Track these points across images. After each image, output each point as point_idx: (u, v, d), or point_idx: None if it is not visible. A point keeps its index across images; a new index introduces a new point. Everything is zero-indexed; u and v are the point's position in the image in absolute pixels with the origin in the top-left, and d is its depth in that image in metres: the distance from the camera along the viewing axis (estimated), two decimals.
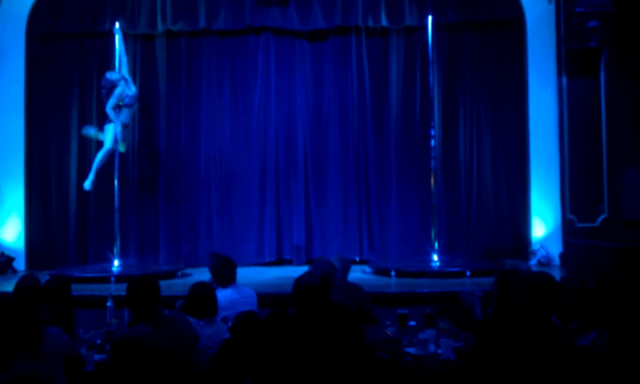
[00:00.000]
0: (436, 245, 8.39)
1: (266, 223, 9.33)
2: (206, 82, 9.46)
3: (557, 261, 8.64)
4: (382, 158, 9.40)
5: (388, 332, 4.31)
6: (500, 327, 3.24)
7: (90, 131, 8.74)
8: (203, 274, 6.07)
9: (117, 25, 8.60)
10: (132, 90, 8.46)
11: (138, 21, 9.05)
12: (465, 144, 9.25)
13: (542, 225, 8.86)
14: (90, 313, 5.13)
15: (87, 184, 8.45)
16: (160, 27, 9.13)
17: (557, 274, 7.24)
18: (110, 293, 4.96)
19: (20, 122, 9.12)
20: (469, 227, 9.15)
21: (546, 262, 8.54)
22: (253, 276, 7.65)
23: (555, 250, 8.70)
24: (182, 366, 3.58)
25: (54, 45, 9.30)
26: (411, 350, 4.00)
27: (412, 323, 4.68)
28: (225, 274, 5.02)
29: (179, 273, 8.11)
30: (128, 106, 8.44)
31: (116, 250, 8.26)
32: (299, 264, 8.98)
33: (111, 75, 8.35)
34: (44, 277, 5.05)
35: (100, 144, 8.59)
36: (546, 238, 8.79)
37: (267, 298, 5.74)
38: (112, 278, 7.41)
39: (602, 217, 7.83)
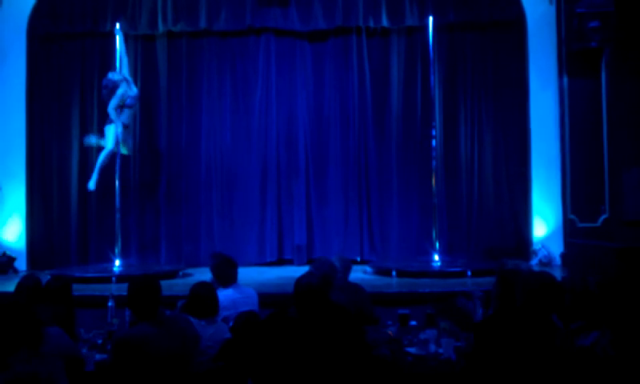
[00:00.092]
0: (437, 245, 8.39)
1: (267, 223, 9.34)
2: (207, 83, 9.46)
3: (558, 261, 8.64)
4: (383, 158, 9.40)
5: (389, 332, 4.31)
6: (501, 327, 3.24)
7: (92, 140, 8.69)
8: (204, 274, 6.06)
9: (117, 25, 8.60)
10: (133, 90, 8.47)
11: (139, 21, 9.06)
12: (466, 144, 9.26)
13: (543, 225, 8.86)
14: (91, 313, 5.14)
15: (91, 184, 8.44)
16: (161, 28, 9.14)
17: (558, 273, 7.24)
18: (111, 293, 4.94)
19: (21, 122, 9.13)
20: (470, 227, 9.15)
21: (547, 262, 8.54)
22: (254, 276, 7.65)
23: (556, 249, 8.69)
24: (183, 366, 3.58)
25: (55, 45, 9.31)
26: (412, 350, 3.99)
27: (413, 323, 4.68)
28: (226, 274, 5.02)
29: (180, 273, 8.12)
30: (129, 106, 8.45)
31: (117, 249, 8.27)
32: (300, 264, 8.98)
33: (113, 75, 8.35)
34: (45, 277, 5.06)
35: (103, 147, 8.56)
36: (547, 238, 8.79)
37: (268, 297, 5.74)
38: (113, 278, 7.43)
39: (603, 217, 7.83)
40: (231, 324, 4.36)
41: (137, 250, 9.20)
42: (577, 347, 3.38)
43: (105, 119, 8.50)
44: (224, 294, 4.76)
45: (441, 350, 3.90)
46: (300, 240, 9.27)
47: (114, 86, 8.29)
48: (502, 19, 9.08)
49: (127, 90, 8.35)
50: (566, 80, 8.50)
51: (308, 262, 8.59)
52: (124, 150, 8.49)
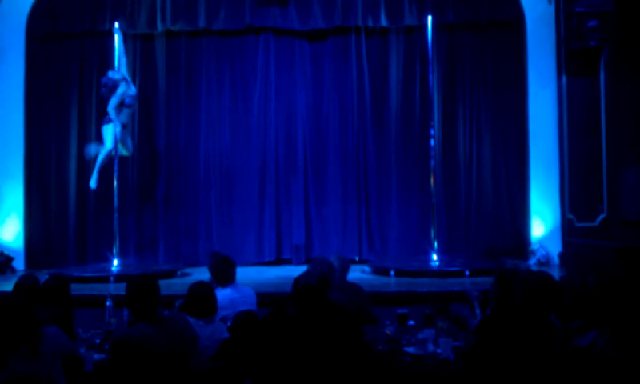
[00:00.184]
0: (435, 244, 8.39)
1: (265, 223, 9.33)
2: (206, 82, 9.46)
3: (556, 260, 8.64)
4: (382, 158, 9.40)
5: (387, 331, 4.31)
6: (499, 327, 3.24)
7: (92, 150, 8.61)
8: (203, 274, 6.07)
9: (116, 25, 8.59)
10: (132, 90, 8.47)
11: (138, 20, 9.05)
12: (464, 144, 9.26)
13: (542, 224, 8.86)
14: (89, 312, 5.13)
15: (92, 183, 8.41)
16: (160, 27, 9.12)
17: (556, 273, 7.24)
18: (109, 292, 4.95)
19: (20, 121, 9.11)
20: (468, 227, 9.15)
21: (545, 262, 8.54)
22: (252, 275, 7.64)
23: (555, 249, 8.69)
24: (181, 366, 3.58)
25: (53, 44, 9.29)
26: (410, 350, 3.99)
27: (411, 323, 4.69)
28: (224, 274, 5.02)
29: (178, 272, 8.11)
30: (128, 106, 8.44)
31: (115, 249, 8.25)
32: (299, 263, 8.97)
33: (114, 74, 8.34)
34: (43, 276, 5.04)
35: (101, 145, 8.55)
36: (546, 238, 8.79)
37: (266, 297, 5.74)
38: (111, 278, 7.43)
39: (601, 216, 7.84)
40: (229, 324, 4.36)
41: (135, 250, 9.19)
42: (575, 347, 3.38)
43: (102, 119, 8.49)
44: (222, 294, 4.76)
45: (439, 350, 3.91)
46: (298, 239, 9.27)
47: (113, 85, 8.28)
48: (501, 19, 9.08)
49: (127, 89, 8.35)
50: (564, 79, 8.50)
51: (306, 262, 8.57)
52: (123, 151, 8.48)
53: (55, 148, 9.24)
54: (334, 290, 4.53)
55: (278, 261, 9.30)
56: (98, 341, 4.28)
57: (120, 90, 8.27)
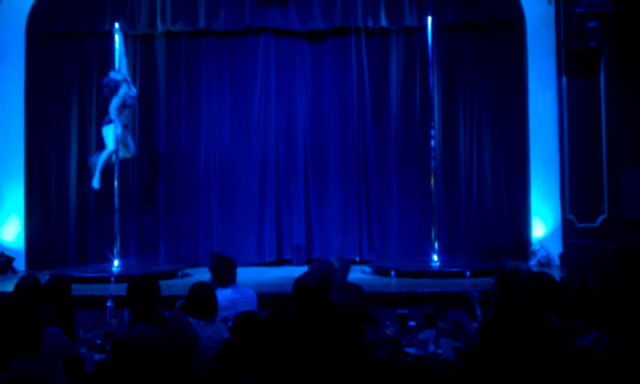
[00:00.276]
0: (436, 245, 8.39)
1: (265, 223, 9.34)
2: (206, 83, 9.46)
3: (557, 261, 8.64)
4: (382, 158, 9.40)
5: (388, 332, 4.31)
6: (500, 328, 3.24)
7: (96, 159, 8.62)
8: (203, 274, 6.07)
9: (117, 25, 8.59)
10: (133, 91, 8.49)
11: (138, 21, 9.06)
12: (465, 144, 9.26)
13: (542, 225, 8.87)
14: (89, 313, 5.12)
15: (95, 183, 8.39)
16: (160, 27, 9.13)
17: (557, 274, 7.24)
18: (110, 293, 4.95)
19: (20, 122, 9.12)
20: (469, 227, 9.15)
21: (545, 263, 8.54)
22: (253, 276, 7.65)
23: (555, 250, 8.70)
24: (182, 367, 3.58)
25: (53, 45, 9.30)
26: (411, 350, 3.99)
27: (412, 323, 4.68)
28: (225, 274, 5.02)
29: (179, 273, 8.12)
30: (129, 106, 8.45)
31: (116, 250, 8.26)
32: (299, 264, 8.98)
33: (115, 75, 8.34)
34: (44, 277, 5.05)
35: (103, 147, 8.49)
36: (546, 238, 8.80)
37: (267, 298, 5.74)
38: (112, 278, 7.42)
39: (602, 217, 7.83)
40: (230, 324, 4.36)
41: (136, 250, 9.20)
42: (576, 347, 3.38)
43: (102, 120, 8.47)
44: (223, 294, 4.76)
45: (440, 351, 3.90)
46: (299, 240, 9.28)
47: (115, 86, 8.28)
48: (501, 19, 9.09)
49: (128, 90, 8.35)
50: (564, 80, 8.50)
51: (307, 262, 8.58)
52: (124, 153, 8.46)
53: (55, 148, 9.25)
54: (334, 291, 4.53)
55: (279, 261, 9.30)
56: (98, 341, 4.28)
57: (122, 91, 8.27)
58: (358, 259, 9.06)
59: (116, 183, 8.36)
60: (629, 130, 7.39)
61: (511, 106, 9.12)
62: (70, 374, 3.31)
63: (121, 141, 8.33)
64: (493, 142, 9.20)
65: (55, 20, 9.15)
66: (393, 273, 7.76)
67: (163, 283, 4.04)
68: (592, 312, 3.54)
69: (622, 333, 3.43)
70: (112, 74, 8.35)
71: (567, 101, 8.48)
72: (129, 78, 8.52)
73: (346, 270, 5.18)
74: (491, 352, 3.20)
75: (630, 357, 3.33)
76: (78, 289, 5.60)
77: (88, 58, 9.35)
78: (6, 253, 8.71)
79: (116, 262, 8.18)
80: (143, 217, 9.33)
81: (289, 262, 9.27)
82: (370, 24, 9.16)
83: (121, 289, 4.16)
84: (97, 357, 3.93)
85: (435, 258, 8.30)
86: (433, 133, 8.72)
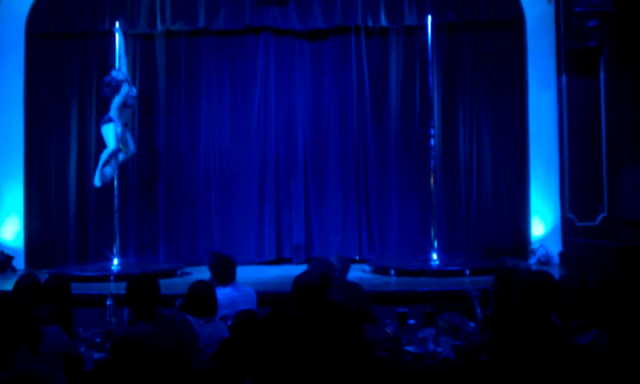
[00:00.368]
0: (435, 244, 8.39)
1: (265, 222, 9.33)
2: (206, 82, 9.46)
3: (556, 260, 8.64)
4: (382, 157, 9.40)
5: (387, 330, 4.31)
6: (509, 325, 3.24)
7: (107, 171, 8.48)
8: (203, 273, 6.06)
9: (117, 24, 8.59)
10: (133, 91, 8.51)
11: (138, 20, 9.04)
12: (464, 143, 9.26)
13: (542, 224, 8.86)
14: (89, 311, 5.14)
15: (97, 181, 8.37)
16: (159, 27, 9.12)
17: (556, 272, 7.23)
18: (109, 291, 4.95)
19: (20, 120, 9.11)
20: (468, 226, 9.15)
21: (545, 261, 8.54)
22: (252, 275, 7.64)
23: (555, 248, 8.70)
24: (181, 365, 3.58)
25: (53, 44, 9.29)
26: (411, 349, 4.00)
27: (411, 322, 4.69)
28: (224, 273, 5.02)
29: (179, 271, 8.12)
30: (130, 106, 8.47)
31: (115, 248, 8.26)
32: (299, 263, 8.97)
33: (118, 75, 8.33)
34: (43, 276, 5.05)
35: (103, 146, 8.48)
36: (546, 237, 8.79)
37: (267, 296, 5.74)
38: (111, 277, 7.43)
39: (601, 216, 7.84)
40: (230, 323, 4.37)
41: (135, 249, 9.19)
42: (575, 346, 3.38)
43: (101, 119, 8.46)
44: (222, 293, 4.76)
45: (439, 349, 3.91)
46: (299, 239, 9.27)
47: (117, 85, 8.27)
48: (501, 18, 9.07)
49: (129, 90, 8.36)
50: (564, 79, 8.50)
51: (307, 261, 8.57)
52: (123, 153, 8.45)
53: (55, 147, 9.24)
54: (334, 290, 4.54)
55: (279, 260, 9.30)
56: (98, 340, 4.29)
57: (124, 91, 8.27)
58: (357, 258, 9.06)
59: (116, 182, 8.37)
60: (629, 130, 7.40)
61: (511, 106, 9.11)
62: (69, 373, 3.32)
63: (120, 140, 8.33)
64: (493, 141, 9.19)
65: (55, 19, 9.14)
66: (392, 271, 7.76)
67: (163, 282, 4.05)
68: (591, 310, 3.54)
69: (622, 331, 3.43)
70: (114, 74, 8.34)
71: (567, 100, 8.49)
72: (129, 78, 8.53)
73: (346, 269, 5.18)
74: (499, 350, 3.19)
75: (630, 355, 3.33)
76: (77, 287, 5.59)
77: (88, 57, 9.33)
78: (6, 252, 8.71)
79: (115, 261, 8.18)
80: (143, 216, 9.32)
81: (288, 261, 9.27)
82: (370, 23, 9.15)
83: (120, 287, 4.17)
84: (96, 355, 3.94)
85: (435, 256, 8.30)
86: (432, 132, 8.71)
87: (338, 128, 9.44)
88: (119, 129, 8.25)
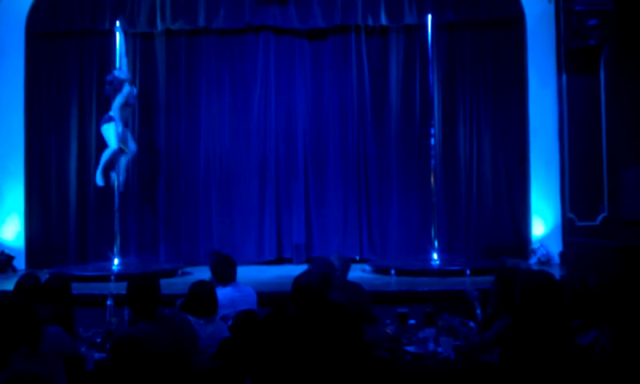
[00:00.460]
0: (436, 243, 8.39)
1: (265, 222, 9.33)
2: (206, 81, 9.46)
3: (557, 259, 8.63)
4: (382, 157, 9.40)
5: (388, 330, 4.31)
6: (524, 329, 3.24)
7: (112, 175, 8.54)
8: (203, 273, 6.07)
9: (118, 24, 8.59)
10: (134, 91, 8.49)
11: (138, 19, 9.04)
12: (465, 143, 9.25)
13: (542, 223, 8.86)
14: (90, 311, 5.14)
15: (98, 180, 8.37)
16: (159, 26, 9.12)
17: (557, 272, 7.24)
18: (110, 291, 4.95)
19: (20, 120, 9.11)
20: (469, 226, 9.15)
21: (545, 261, 8.53)
22: (253, 274, 7.63)
23: (555, 248, 8.69)
24: (181, 365, 3.58)
25: (53, 43, 9.29)
26: (411, 349, 3.99)
27: (412, 322, 4.69)
28: (225, 273, 5.02)
29: (179, 271, 8.12)
30: (130, 105, 8.47)
31: (116, 248, 8.27)
32: (299, 263, 8.97)
33: (120, 74, 8.33)
34: (44, 275, 5.04)
35: (103, 145, 8.47)
36: (546, 237, 8.79)
37: (267, 296, 5.74)
38: (112, 277, 7.43)
39: (602, 215, 7.85)
40: (230, 323, 4.36)
41: (136, 249, 9.19)
42: (576, 345, 3.38)
43: (101, 118, 8.46)
44: (223, 293, 4.75)
45: (440, 349, 3.90)
46: (299, 239, 9.27)
47: (119, 84, 8.27)
48: (501, 17, 9.07)
49: (131, 90, 8.36)
50: (564, 78, 8.50)
51: (307, 261, 8.58)
52: (125, 152, 8.45)
53: (55, 147, 9.24)
54: (334, 290, 4.53)
55: (279, 260, 9.30)
56: (98, 340, 4.28)
57: (125, 90, 8.28)
58: (357, 258, 9.06)
59: (116, 182, 8.37)
60: (629, 129, 7.41)
61: (511, 105, 9.11)
62: (70, 373, 3.32)
63: (122, 139, 8.33)
64: (493, 141, 9.19)
65: (55, 19, 9.14)
66: (393, 271, 7.76)
67: (163, 282, 4.05)
68: (592, 310, 3.54)
69: (622, 331, 3.43)
70: (116, 73, 8.34)
71: (567, 99, 8.49)
72: (130, 77, 8.53)
73: (346, 269, 5.18)
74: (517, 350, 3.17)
75: (630, 355, 3.33)
76: (78, 287, 5.59)
77: (88, 56, 9.33)
78: (6, 251, 8.71)
79: (116, 261, 8.19)
80: (143, 215, 9.33)
81: (289, 261, 9.27)
82: (370, 22, 9.15)
83: (121, 287, 4.16)
84: (97, 355, 3.93)
85: (435, 256, 8.30)
86: (433, 131, 8.71)
87: (338, 127, 9.44)
88: (120, 128, 8.24)
